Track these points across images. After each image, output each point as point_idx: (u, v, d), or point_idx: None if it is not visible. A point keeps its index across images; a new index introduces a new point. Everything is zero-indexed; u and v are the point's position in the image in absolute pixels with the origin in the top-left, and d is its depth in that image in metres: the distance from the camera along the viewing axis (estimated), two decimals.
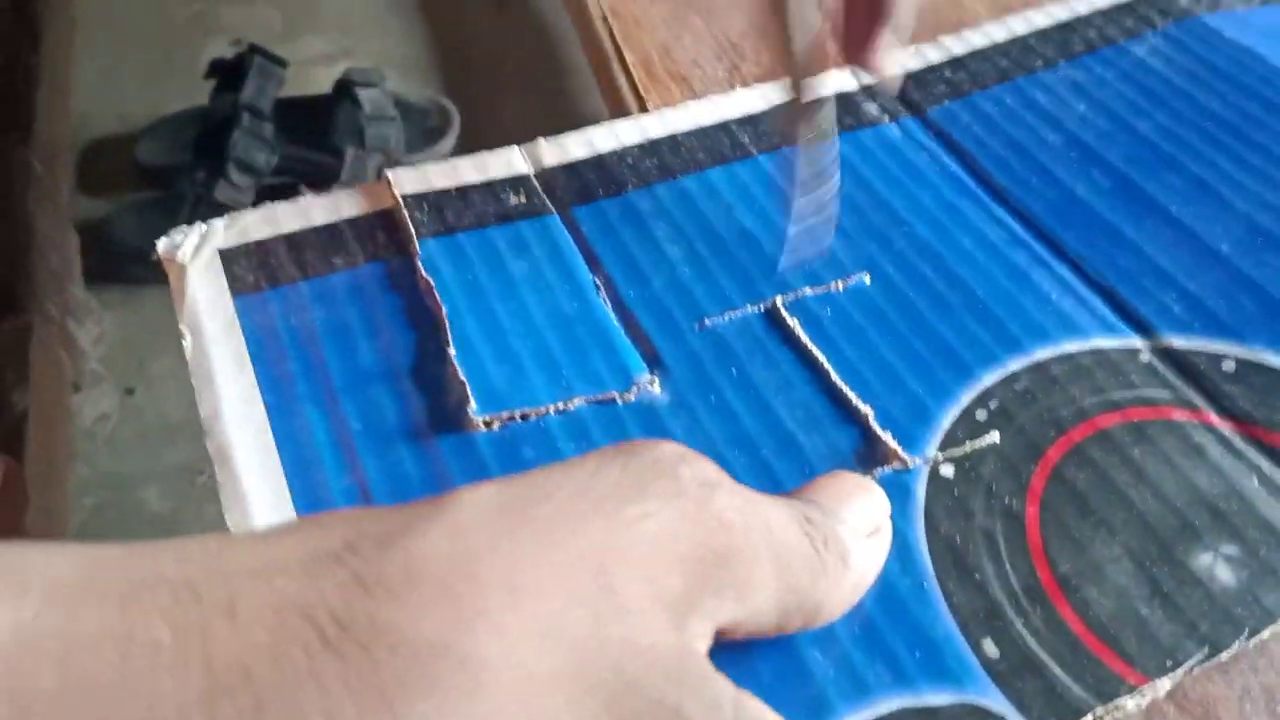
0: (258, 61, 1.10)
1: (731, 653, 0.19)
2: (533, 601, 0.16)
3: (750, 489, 0.20)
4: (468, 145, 1.21)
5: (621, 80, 0.38)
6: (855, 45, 0.30)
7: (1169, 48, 0.40)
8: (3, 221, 0.75)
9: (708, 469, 0.19)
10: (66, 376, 0.79)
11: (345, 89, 1.14)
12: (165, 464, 0.86)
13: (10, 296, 0.72)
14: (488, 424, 0.27)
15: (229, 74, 1.12)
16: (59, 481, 0.72)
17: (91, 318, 0.83)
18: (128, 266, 1.04)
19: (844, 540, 0.20)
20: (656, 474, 0.18)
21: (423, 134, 1.19)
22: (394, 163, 1.16)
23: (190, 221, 1.02)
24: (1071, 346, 0.29)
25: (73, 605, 0.14)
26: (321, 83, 1.19)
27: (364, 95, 1.12)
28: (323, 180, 1.08)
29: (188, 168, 1.08)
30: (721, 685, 0.17)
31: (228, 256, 0.31)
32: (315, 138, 1.12)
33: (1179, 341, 0.29)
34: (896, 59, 0.30)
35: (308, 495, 0.25)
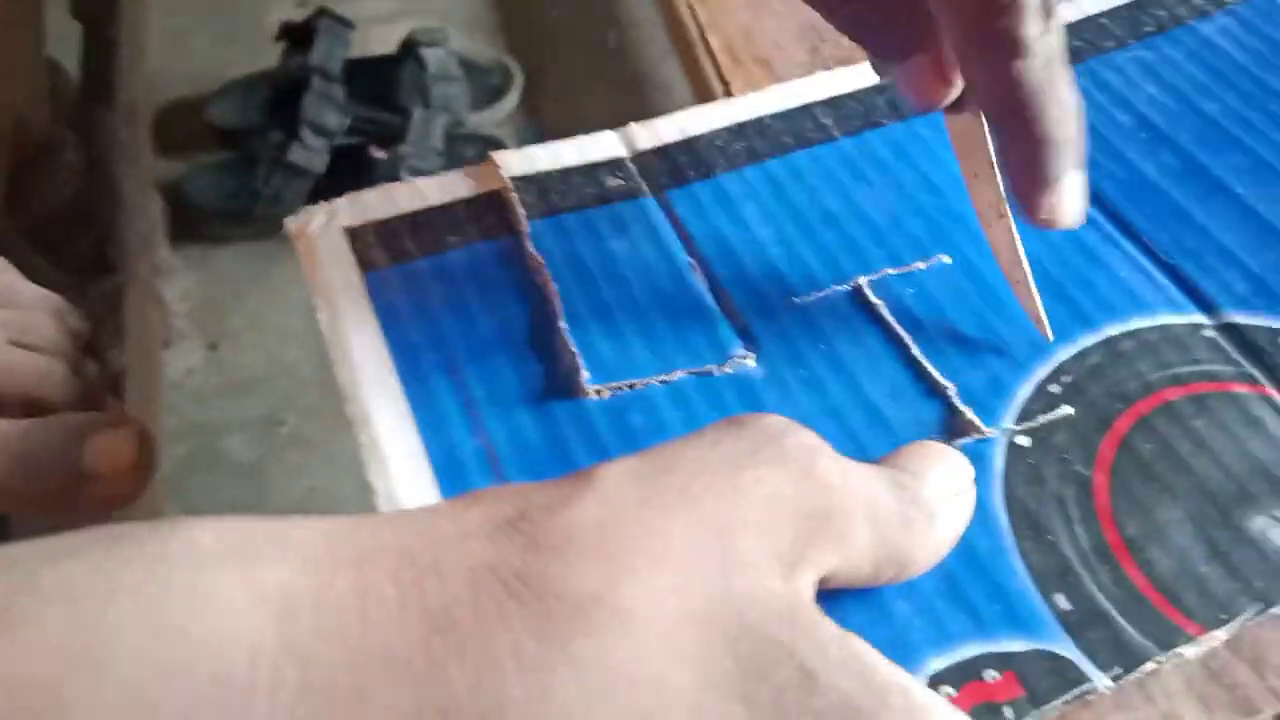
0: (326, 24, 1.13)
1: (831, 603, 0.22)
2: (668, 559, 0.19)
3: (845, 457, 0.22)
4: (531, 104, 1.23)
5: (706, 64, 0.40)
6: (1024, 187, 0.28)
7: (1237, 27, 0.41)
8: (94, 187, 0.78)
9: (809, 437, 0.22)
10: (157, 334, 0.83)
11: (410, 49, 1.16)
12: (248, 415, 0.90)
13: (103, 258, 0.76)
14: (598, 392, 0.30)
15: (298, 36, 1.14)
16: (154, 432, 0.76)
17: (175, 276, 0.87)
18: (205, 225, 1.08)
19: (930, 501, 0.23)
20: (766, 442, 0.21)
21: (486, 92, 1.21)
22: (458, 123, 1.19)
23: (266, 181, 1.05)
24: (1139, 323, 0.31)
25: (321, 568, 0.17)
26: (386, 41, 1.21)
27: (429, 55, 1.15)
28: (390, 139, 1.10)
29: (260, 129, 1.11)
30: (828, 626, 0.19)
31: (352, 234, 0.34)
32: (382, 98, 1.14)
33: (1241, 318, 0.31)
34: (1075, 195, 0.28)
35: (441, 455, 0.28)
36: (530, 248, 0.33)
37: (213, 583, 0.16)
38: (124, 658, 0.15)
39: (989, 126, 0.28)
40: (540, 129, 1.21)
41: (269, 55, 1.19)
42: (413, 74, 1.16)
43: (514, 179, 0.35)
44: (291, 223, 0.35)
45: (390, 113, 1.15)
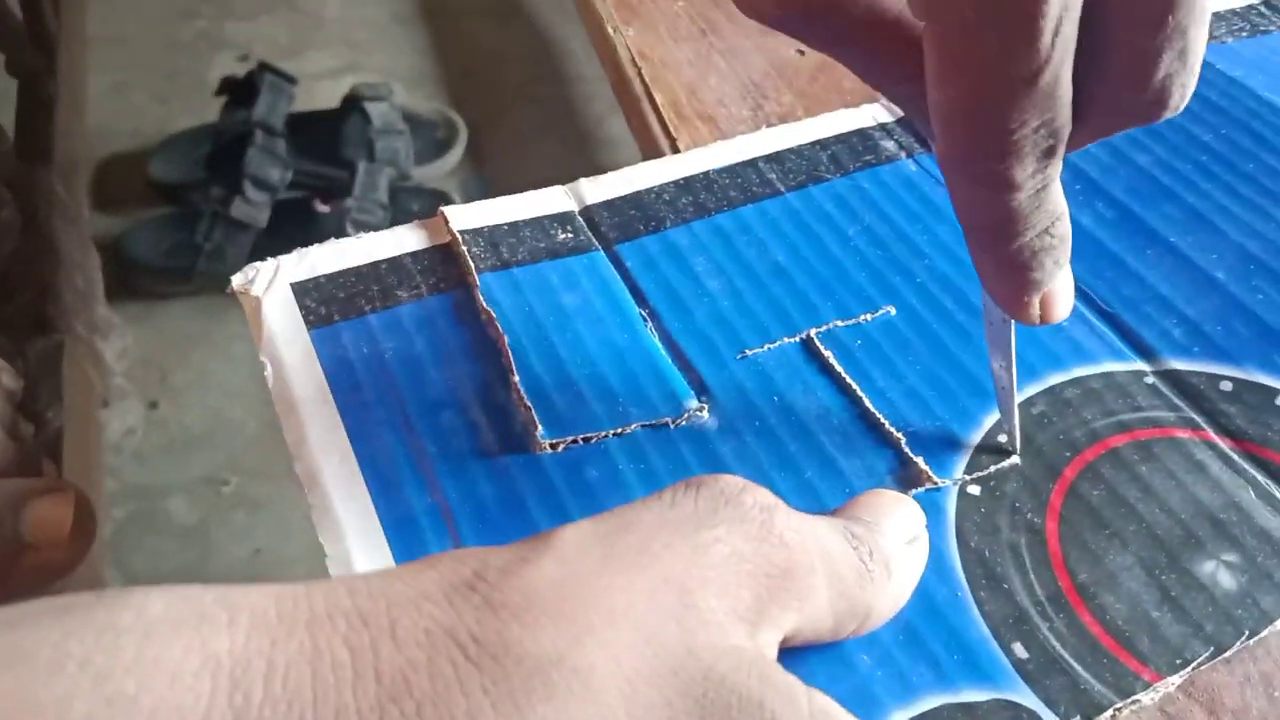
0: (269, 79, 1.13)
1: (794, 658, 0.22)
2: (628, 618, 0.18)
3: (800, 511, 0.22)
4: (475, 158, 1.24)
5: (652, 119, 0.41)
6: (1008, 298, 0.26)
7: None
8: (31, 244, 0.77)
9: (765, 496, 0.22)
10: (96, 392, 0.82)
11: (354, 103, 1.16)
12: (190, 475, 0.88)
13: (41, 317, 0.74)
14: (553, 446, 0.29)
15: (239, 91, 1.14)
16: (92, 495, 0.74)
17: (115, 333, 0.85)
18: (145, 282, 1.07)
19: (886, 550, 0.23)
20: (724, 502, 0.21)
21: (431, 146, 1.21)
22: (403, 176, 1.19)
23: (208, 236, 1.04)
24: (1081, 371, 0.32)
25: (273, 632, 0.17)
26: (329, 96, 1.21)
27: (373, 109, 1.15)
28: (334, 194, 1.10)
29: (202, 184, 1.10)
30: (795, 681, 0.19)
31: (299, 290, 0.34)
32: (325, 152, 1.14)
33: (1180, 364, 0.32)
34: (1069, 299, 0.26)
35: (394, 514, 0.28)
36: (481, 301, 0.33)
37: (161, 651, 0.16)
38: None
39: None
40: (485, 183, 1.21)
41: (210, 110, 1.18)
42: (357, 128, 1.16)
43: (463, 232, 0.35)
44: (237, 279, 0.34)
45: (334, 167, 1.15)
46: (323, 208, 1.10)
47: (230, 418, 0.96)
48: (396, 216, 1.13)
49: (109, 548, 0.78)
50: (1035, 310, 0.26)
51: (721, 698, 0.18)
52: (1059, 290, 0.26)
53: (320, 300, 0.33)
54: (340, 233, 1.10)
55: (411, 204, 1.17)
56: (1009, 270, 0.25)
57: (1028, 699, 0.24)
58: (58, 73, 1.02)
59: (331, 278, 0.34)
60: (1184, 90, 0.22)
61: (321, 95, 1.25)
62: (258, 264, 0.34)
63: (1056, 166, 0.23)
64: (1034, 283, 0.25)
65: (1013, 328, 0.28)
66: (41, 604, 0.16)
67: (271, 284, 0.34)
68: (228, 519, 0.84)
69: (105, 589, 0.17)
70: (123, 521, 0.84)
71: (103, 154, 1.20)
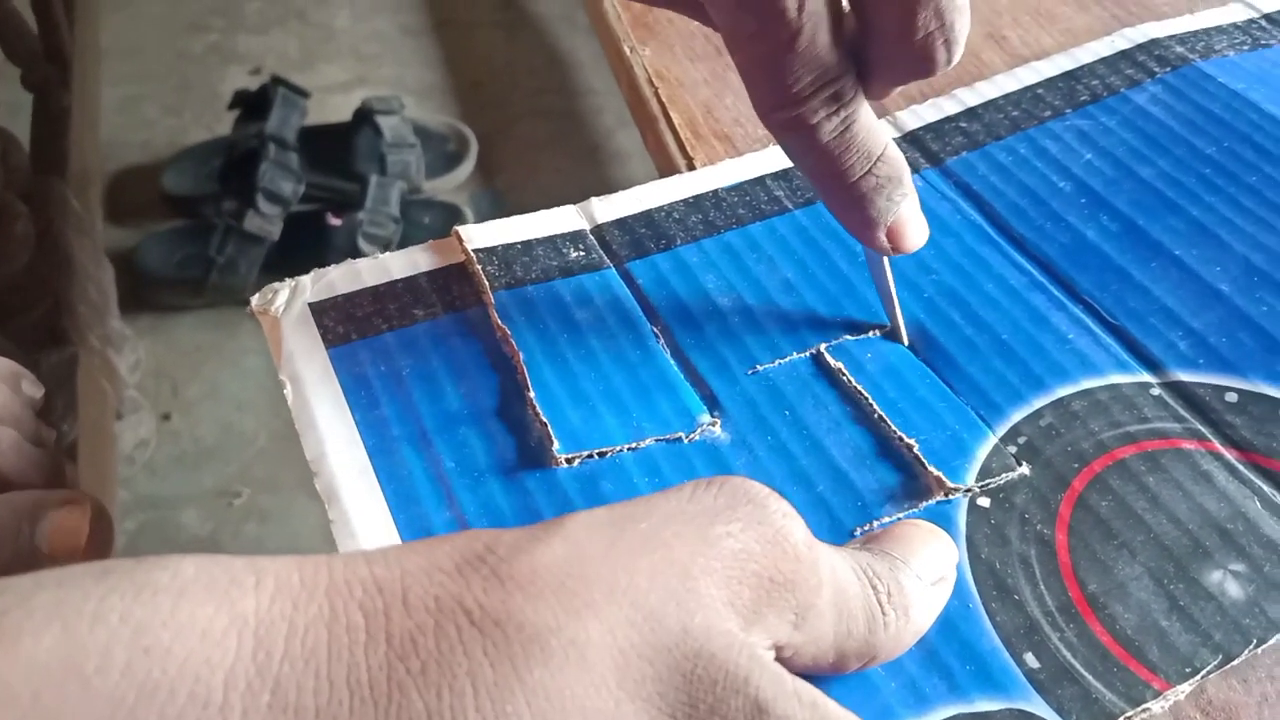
0: (281, 93, 1.14)
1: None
2: (629, 596, 0.19)
3: (822, 541, 0.23)
4: (486, 170, 1.24)
5: (669, 139, 0.41)
6: (861, 232, 0.31)
7: (1167, 95, 0.43)
8: (46, 257, 0.78)
9: (788, 509, 0.22)
10: (110, 405, 0.82)
11: (365, 116, 1.17)
12: (202, 487, 0.89)
13: (54, 329, 0.75)
14: (569, 461, 0.30)
15: (252, 104, 1.15)
16: (106, 506, 0.75)
17: (128, 346, 0.86)
18: (158, 294, 1.08)
19: (908, 592, 0.23)
20: (745, 500, 0.22)
21: (441, 159, 1.22)
22: (414, 189, 1.19)
23: (220, 249, 1.04)
24: (1089, 383, 0.32)
25: (295, 597, 0.18)
26: (339, 110, 1.22)
27: (384, 123, 1.16)
28: (346, 207, 1.11)
29: (214, 198, 1.11)
30: (782, 668, 0.20)
31: (317, 309, 0.34)
32: (337, 165, 1.15)
33: (1185, 376, 0.33)
34: (918, 230, 0.31)
35: (412, 528, 0.28)
36: (496, 318, 0.34)
37: (194, 609, 0.17)
38: (111, 674, 0.16)
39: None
40: (496, 195, 1.22)
41: (223, 124, 1.19)
42: (368, 141, 1.17)
43: (477, 251, 0.36)
44: (256, 300, 0.35)
45: (346, 180, 1.16)
46: (334, 221, 1.11)
47: (242, 430, 0.97)
48: (408, 229, 1.14)
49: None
50: (884, 241, 0.30)
51: (709, 674, 0.19)
52: (905, 220, 0.30)
53: (338, 319, 0.34)
54: (352, 246, 1.12)
55: (423, 217, 1.17)
56: (849, 207, 0.30)
57: (1040, 708, 0.25)
58: (72, 86, 1.03)
59: (349, 297, 0.35)
60: (949, 47, 0.27)
61: (332, 108, 1.26)
62: (275, 284, 0.35)
63: (854, 108, 0.28)
64: (873, 218, 0.30)
65: (885, 260, 0.32)
66: (86, 566, 0.18)
67: (290, 304, 0.34)
68: (239, 531, 0.85)
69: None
70: (135, 533, 0.85)
71: (115, 167, 1.21)
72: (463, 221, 1.16)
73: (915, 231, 0.31)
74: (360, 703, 0.17)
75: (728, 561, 0.21)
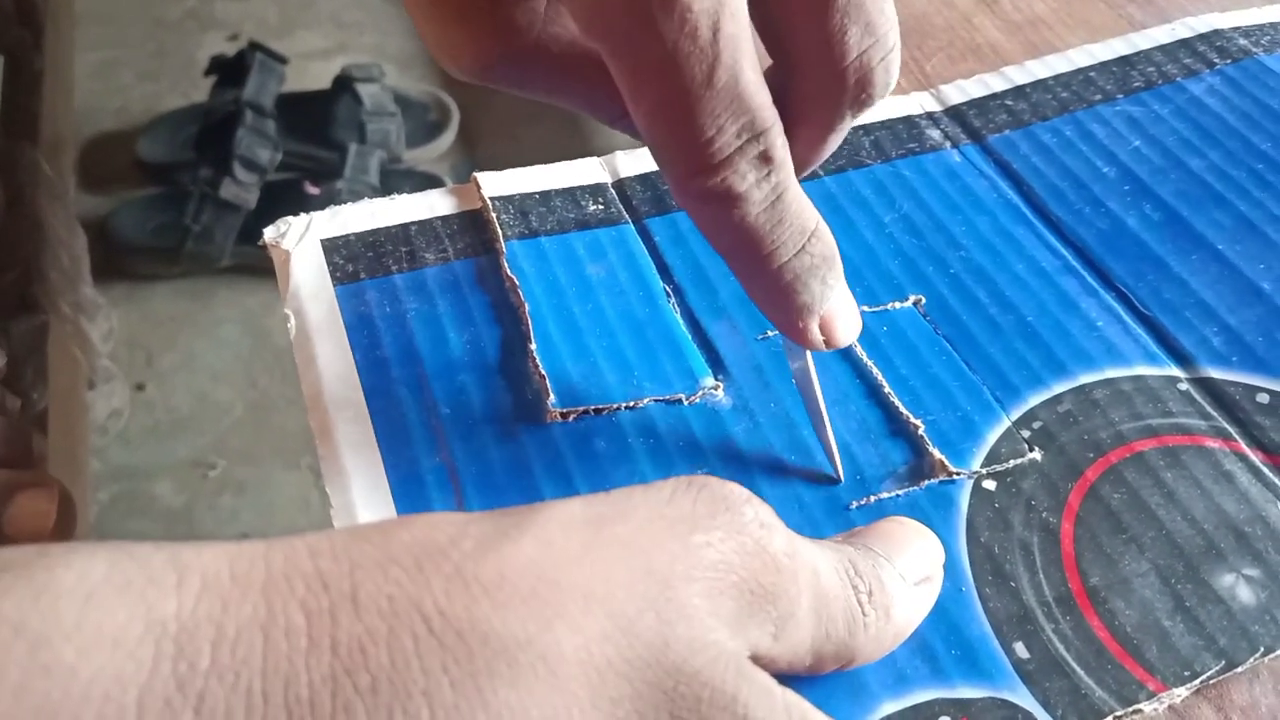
0: (259, 59, 1.12)
1: None
2: (606, 606, 0.18)
3: (804, 537, 0.21)
4: (468, 140, 1.23)
5: None
6: (786, 324, 0.25)
7: (1226, 87, 0.42)
8: (17, 223, 0.77)
9: (767, 513, 0.21)
10: (82, 373, 0.82)
11: (345, 84, 1.14)
12: (176, 458, 0.88)
13: (26, 297, 0.74)
14: (564, 416, 0.29)
15: (229, 70, 1.13)
16: (77, 477, 0.74)
17: (101, 314, 0.85)
18: (131, 262, 1.06)
19: (890, 591, 0.22)
20: (725, 508, 0.20)
21: (423, 128, 1.20)
22: (394, 159, 1.17)
23: (196, 217, 1.03)
24: (1114, 372, 0.31)
25: (225, 595, 0.16)
26: (319, 77, 1.20)
27: (364, 91, 1.13)
28: (325, 176, 1.09)
29: (190, 165, 1.09)
30: (773, 681, 0.19)
31: (328, 246, 0.34)
32: (316, 133, 1.13)
33: (1217, 373, 0.31)
34: (853, 320, 0.26)
35: (400, 471, 0.28)
36: (505, 268, 0.33)
37: (103, 616, 0.15)
38: (3, 698, 0.14)
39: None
40: (477, 166, 1.21)
41: (200, 90, 1.17)
42: (348, 109, 1.14)
43: (494, 199, 0.35)
44: (269, 232, 0.34)
45: (324, 148, 1.13)
46: (313, 190, 1.09)
47: (217, 401, 0.95)
48: None
49: (94, 530, 0.78)
50: (816, 334, 0.25)
51: (693, 691, 0.17)
52: (838, 310, 0.25)
53: (348, 258, 0.34)
54: None
55: (403, 187, 1.16)
56: (776, 295, 0.24)
57: (1025, 699, 0.24)
58: (45, 49, 1.01)
59: (361, 236, 0.34)
60: (887, 67, 0.22)
61: (311, 75, 1.24)
62: (289, 218, 0.35)
63: (782, 175, 0.22)
64: (804, 306, 0.24)
65: (809, 358, 0.27)
66: None
67: (302, 239, 0.34)
68: (214, 502, 0.84)
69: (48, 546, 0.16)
70: (108, 504, 0.84)
71: (89, 133, 1.19)
72: None
73: (849, 322, 0.25)
74: None
75: (708, 572, 0.19)
